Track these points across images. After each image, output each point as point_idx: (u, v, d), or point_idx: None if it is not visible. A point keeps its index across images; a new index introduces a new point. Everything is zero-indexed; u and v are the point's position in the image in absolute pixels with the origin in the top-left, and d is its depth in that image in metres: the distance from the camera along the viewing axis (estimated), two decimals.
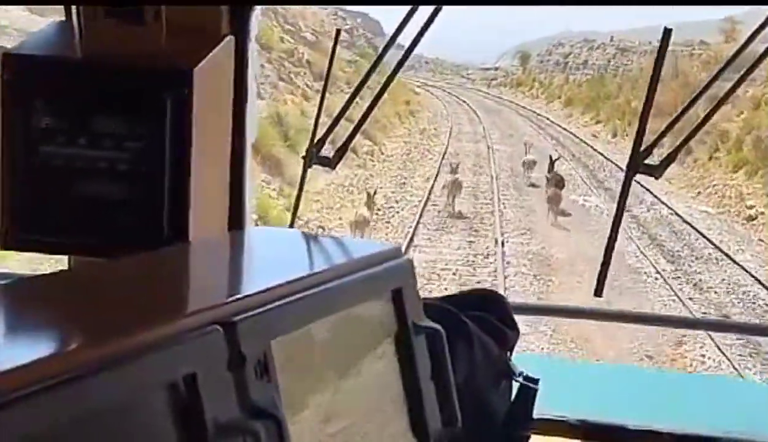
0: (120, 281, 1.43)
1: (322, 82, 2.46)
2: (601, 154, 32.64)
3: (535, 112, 47.77)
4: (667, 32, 1.92)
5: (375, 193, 21.51)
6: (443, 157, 29.60)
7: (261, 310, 1.28)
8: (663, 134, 2.00)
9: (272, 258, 1.69)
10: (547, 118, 44.84)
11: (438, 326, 1.65)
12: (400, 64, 2.16)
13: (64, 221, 1.85)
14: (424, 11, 2.05)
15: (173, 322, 1.18)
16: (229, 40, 1.98)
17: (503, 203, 23.93)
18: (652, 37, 52.93)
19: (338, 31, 2.66)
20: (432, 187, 24.74)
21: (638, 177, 2.01)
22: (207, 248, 1.79)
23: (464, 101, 50.48)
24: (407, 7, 2.04)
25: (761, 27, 1.89)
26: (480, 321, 1.96)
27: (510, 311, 2.05)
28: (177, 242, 1.80)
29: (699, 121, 1.95)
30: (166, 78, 1.81)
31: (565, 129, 40.68)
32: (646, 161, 1.97)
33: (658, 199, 25.23)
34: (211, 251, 1.78)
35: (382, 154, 30.05)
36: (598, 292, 2.04)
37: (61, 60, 1.87)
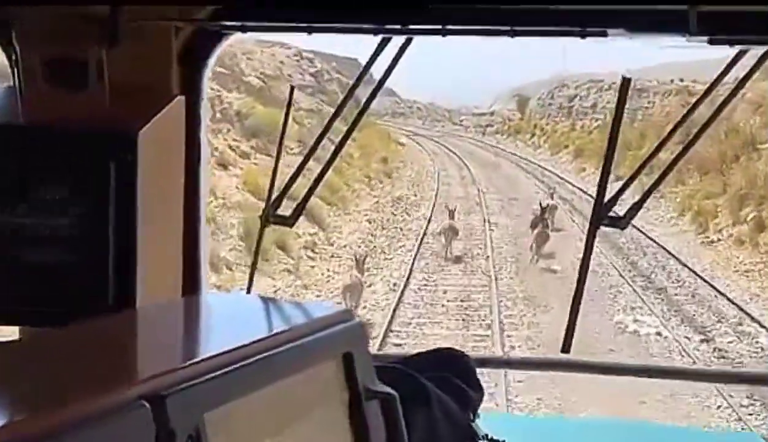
0: (56, 354, 1.45)
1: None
2: (646, 235, 23.02)
3: (540, 165, 39.98)
4: (626, 82, 2.00)
5: (365, 258, 18.97)
6: (420, 244, 20.95)
7: (193, 382, 1.29)
8: (627, 185, 2.02)
9: (217, 326, 1.73)
10: (556, 174, 36.67)
11: (391, 390, 1.68)
12: (368, 102, 2.21)
13: (10, 289, 1.94)
14: (402, 49, 2.07)
15: (97, 398, 1.19)
16: (179, 100, 2.10)
17: (505, 328, 15.26)
18: (674, 75, 45.53)
19: (292, 89, 2.93)
20: (394, 312, 15.97)
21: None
22: (151, 316, 1.82)
23: (454, 152, 45.14)
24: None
25: (722, 74, 2.03)
26: (441, 382, 2.03)
27: (474, 371, 2.12)
28: (123, 309, 1.88)
29: (663, 169, 2.04)
30: (109, 143, 1.91)
31: (580, 189, 32.14)
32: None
33: (728, 298, 16.50)
34: (154, 320, 1.79)
35: (331, 245, 21.20)
36: (565, 348, 2.01)
37: (3, 127, 1.99)
